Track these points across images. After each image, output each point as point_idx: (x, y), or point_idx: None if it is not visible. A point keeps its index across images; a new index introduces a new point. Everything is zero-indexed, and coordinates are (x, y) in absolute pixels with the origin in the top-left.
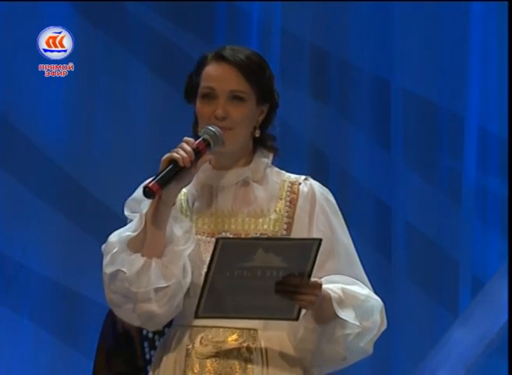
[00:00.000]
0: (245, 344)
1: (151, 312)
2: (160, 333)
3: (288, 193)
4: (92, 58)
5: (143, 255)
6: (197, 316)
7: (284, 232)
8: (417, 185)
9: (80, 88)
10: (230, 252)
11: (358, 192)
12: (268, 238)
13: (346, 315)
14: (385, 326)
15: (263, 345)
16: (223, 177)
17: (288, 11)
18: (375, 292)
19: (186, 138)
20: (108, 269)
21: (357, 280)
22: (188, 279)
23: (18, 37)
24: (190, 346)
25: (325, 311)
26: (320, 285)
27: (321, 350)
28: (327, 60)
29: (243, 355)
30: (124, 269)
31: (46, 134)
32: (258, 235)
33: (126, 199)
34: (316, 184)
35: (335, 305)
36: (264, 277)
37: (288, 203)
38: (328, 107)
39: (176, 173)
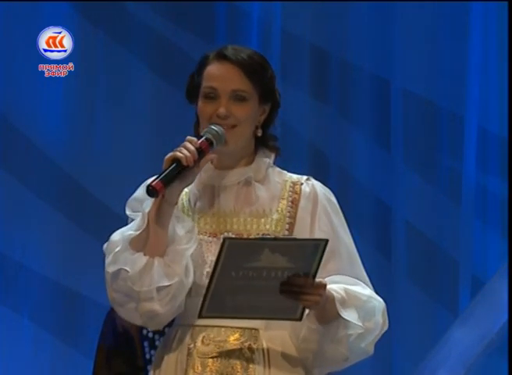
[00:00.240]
0: (247, 344)
1: (153, 312)
2: (160, 333)
3: (290, 193)
4: (92, 58)
5: (145, 254)
6: (200, 316)
7: (286, 232)
8: (417, 185)
9: (79, 88)
10: (236, 252)
11: (358, 192)
12: (275, 238)
13: (349, 315)
14: (386, 327)
15: (265, 345)
16: (225, 177)
17: (288, 11)
18: (376, 292)
19: (189, 137)
20: (110, 268)
21: (359, 280)
22: (190, 279)
23: (18, 37)
24: (192, 345)
25: (327, 311)
26: (324, 285)
27: (324, 350)
28: (327, 60)
29: (244, 354)
30: (127, 268)
31: (46, 134)
32: (260, 235)
33: (126, 199)
34: (318, 185)
35: (338, 305)
36: (270, 277)
37: (290, 203)
38: (328, 107)
39: (180, 172)
